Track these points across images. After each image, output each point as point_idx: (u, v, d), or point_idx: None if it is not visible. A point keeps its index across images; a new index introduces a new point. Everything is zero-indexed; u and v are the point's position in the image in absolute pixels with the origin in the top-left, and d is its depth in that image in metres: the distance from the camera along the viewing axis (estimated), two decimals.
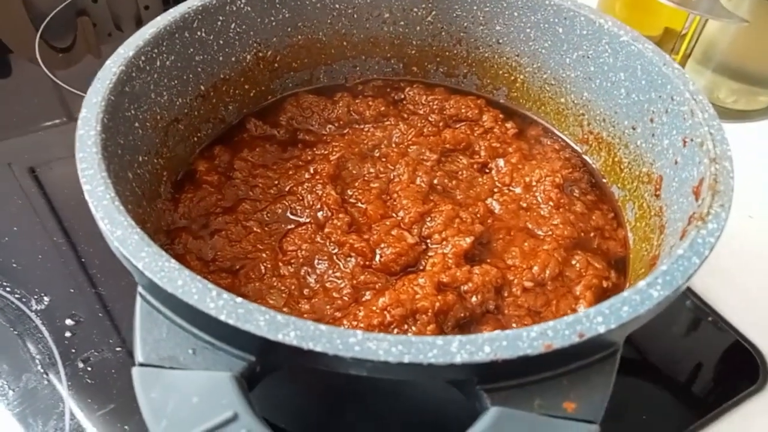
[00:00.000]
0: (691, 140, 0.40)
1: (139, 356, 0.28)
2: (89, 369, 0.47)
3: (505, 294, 0.43)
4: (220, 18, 0.51)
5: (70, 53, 0.89)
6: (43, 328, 0.49)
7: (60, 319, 0.50)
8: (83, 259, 0.55)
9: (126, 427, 0.44)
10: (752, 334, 0.51)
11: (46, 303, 0.51)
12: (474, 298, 0.41)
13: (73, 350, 0.48)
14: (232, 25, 0.52)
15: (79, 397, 0.45)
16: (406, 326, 0.39)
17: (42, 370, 0.47)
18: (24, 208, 0.60)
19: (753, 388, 0.47)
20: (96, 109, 0.38)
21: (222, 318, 0.27)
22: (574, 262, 0.45)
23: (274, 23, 0.55)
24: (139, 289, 0.30)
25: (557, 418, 0.26)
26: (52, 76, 0.80)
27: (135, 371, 0.27)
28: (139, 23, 0.96)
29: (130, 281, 0.52)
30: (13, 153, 0.68)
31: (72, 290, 0.52)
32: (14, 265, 0.54)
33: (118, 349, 0.48)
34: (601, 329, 0.27)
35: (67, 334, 0.49)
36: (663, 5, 0.71)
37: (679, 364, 0.51)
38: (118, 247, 0.30)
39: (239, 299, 0.28)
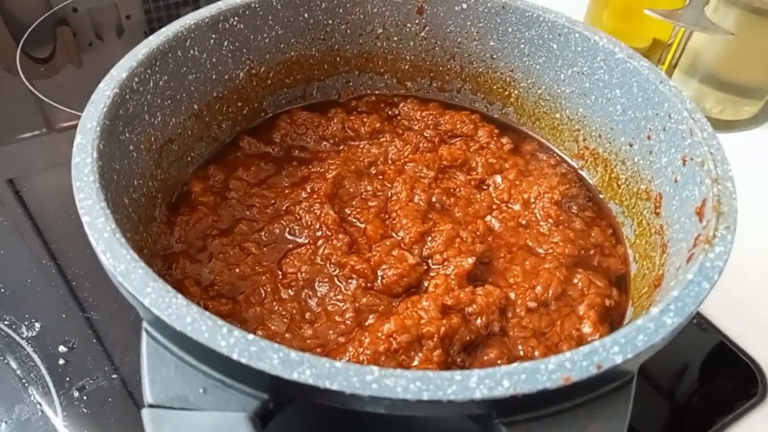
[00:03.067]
0: (691, 159, 0.41)
1: (148, 397, 0.27)
2: (85, 398, 0.45)
3: (510, 315, 0.42)
4: (213, 36, 0.50)
5: (50, 63, 0.87)
6: (35, 356, 0.48)
7: (53, 345, 0.49)
8: (73, 282, 0.54)
9: None
10: (750, 346, 0.52)
11: (37, 329, 0.50)
12: (479, 320, 0.41)
13: (68, 378, 0.46)
14: (225, 43, 0.51)
15: (75, 427, 0.44)
16: (412, 352, 0.38)
17: (36, 401, 0.45)
18: (9, 230, 0.59)
19: (753, 401, 0.47)
20: (91, 135, 0.37)
21: (234, 357, 0.26)
22: (575, 280, 0.45)
23: (267, 40, 0.54)
24: (145, 324, 0.30)
25: None
26: (31, 86, 0.78)
27: (145, 413, 0.26)
28: (121, 33, 0.94)
29: (123, 304, 0.51)
30: None
31: (64, 315, 0.51)
32: (2, 290, 0.52)
33: (114, 376, 0.47)
34: (618, 359, 0.27)
35: (61, 361, 0.48)
36: (651, 16, 0.72)
37: (677, 377, 0.52)
38: (121, 282, 0.29)
39: (251, 336, 0.27)
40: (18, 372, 0.47)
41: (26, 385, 0.46)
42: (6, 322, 0.50)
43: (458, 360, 0.40)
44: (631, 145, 0.48)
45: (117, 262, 0.30)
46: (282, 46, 0.56)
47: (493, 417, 0.27)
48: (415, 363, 0.38)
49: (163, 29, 0.46)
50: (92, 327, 0.51)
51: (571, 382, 0.26)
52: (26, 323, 0.50)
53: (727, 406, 0.49)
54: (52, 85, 0.80)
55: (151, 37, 0.45)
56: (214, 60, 0.51)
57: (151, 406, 0.27)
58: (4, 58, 0.83)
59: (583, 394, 0.28)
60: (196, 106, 0.51)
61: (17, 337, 0.49)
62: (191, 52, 0.48)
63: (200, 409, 0.27)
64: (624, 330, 0.28)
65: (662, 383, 0.50)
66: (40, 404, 0.45)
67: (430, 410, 0.26)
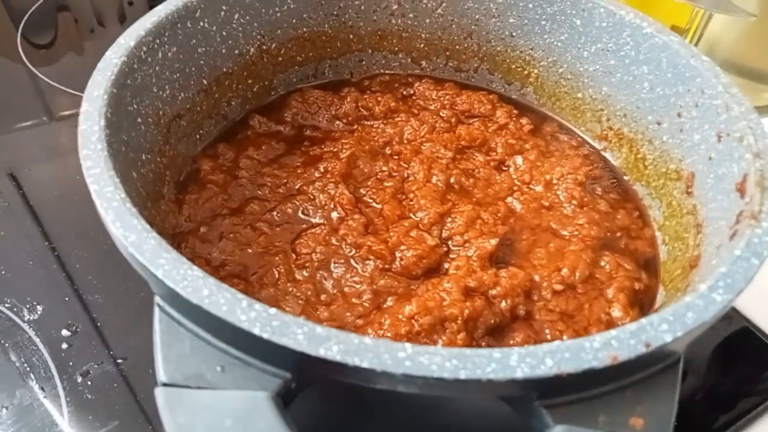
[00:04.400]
0: (728, 135, 0.39)
1: (162, 375, 0.25)
2: (89, 383, 0.43)
3: (535, 298, 0.40)
4: (224, 8, 0.48)
5: (50, 50, 0.85)
6: (37, 340, 0.46)
7: (55, 329, 0.47)
8: (77, 265, 0.52)
9: None
10: None
11: (39, 313, 0.48)
12: (503, 303, 0.39)
13: (71, 363, 0.45)
14: (236, 16, 0.49)
15: (79, 413, 0.42)
16: (435, 335, 0.36)
17: (38, 386, 0.43)
18: (11, 214, 0.57)
19: None
20: (99, 102, 0.35)
21: (255, 332, 0.24)
22: (603, 263, 0.43)
23: (278, 14, 0.52)
24: (157, 299, 0.28)
25: None
26: (36, 71, 0.76)
27: (159, 392, 0.25)
28: (123, 19, 0.92)
29: (128, 287, 0.50)
30: None
31: (66, 299, 0.49)
32: (3, 273, 0.50)
33: (119, 361, 0.45)
34: (668, 338, 0.25)
35: (64, 345, 0.46)
36: (668, 1, 0.70)
37: (700, 364, 0.50)
38: (133, 253, 0.27)
39: (273, 310, 0.25)
40: (20, 356, 0.45)
41: (28, 369, 0.44)
42: (7, 305, 0.48)
43: (483, 344, 0.38)
44: (659, 124, 0.47)
45: (128, 232, 0.28)
46: (294, 21, 0.53)
47: (533, 399, 0.25)
48: (439, 346, 0.36)
49: None
50: (96, 311, 0.49)
51: (618, 362, 0.24)
52: (28, 306, 0.48)
53: (751, 397, 0.47)
54: (54, 72, 0.78)
55: (159, 6, 0.43)
56: (224, 33, 0.49)
57: (165, 385, 0.25)
58: (3, 44, 0.81)
59: (629, 375, 0.26)
60: (205, 81, 0.49)
61: (19, 321, 0.47)
62: (201, 23, 0.46)
63: (218, 388, 0.25)
64: (672, 308, 0.27)
65: (685, 369, 0.49)
66: (42, 389, 0.43)
67: (467, 390, 0.24)
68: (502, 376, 0.24)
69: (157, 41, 0.42)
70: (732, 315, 0.52)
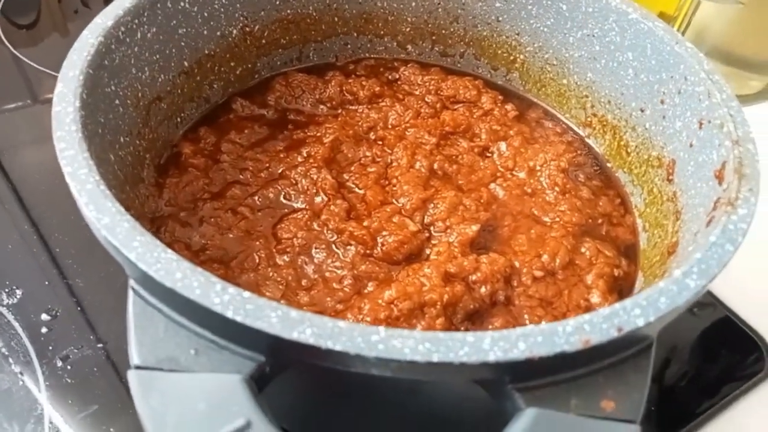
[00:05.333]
0: (709, 122, 0.39)
1: (135, 358, 0.25)
2: (69, 367, 0.43)
3: (515, 284, 0.41)
4: None
5: (33, 30, 0.84)
6: (16, 324, 0.45)
7: (35, 313, 0.46)
8: (57, 249, 0.51)
9: (111, 429, 0.40)
10: (756, 322, 0.50)
11: (18, 297, 0.47)
12: (483, 289, 0.39)
13: (50, 347, 0.44)
14: None
15: (59, 398, 0.42)
16: (414, 320, 0.37)
17: (17, 370, 0.43)
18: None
19: (760, 377, 0.46)
20: (74, 83, 0.34)
21: (229, 315, 0.24)
22: (583, 249, 0.43)
23: None
24: (131, 282, 0.27)
25: (596, 418, 0.25)
26: (16, 53, 0.74)
27: (131, 375, 0.24)
28: (108, 0, 0.90)
29: (109, 272, 0.49)
30: None
31: (47, 282, 0.49)
32: None
33: (99, 345, 0.45)
34: (640, 322, 0.25)
35: (43, 330, 0.45)
36: None
37: (681, 352, 0.50)
38: (105, 236, 0.27)
39: (247, 293, 0.25)
40: None
41: (6, 354, 0.44)
42: None
43: (462, 329, 0.38)
44: (642, 111, 0.47)
45: (101, 214, 0.28)
46: (278, 2, 0.53)
47: (506, 382, 0.25)
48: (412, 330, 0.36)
49: None
50: (75, 295, 0.48)
51: (590, 345, 0.24)
52: (6, 290, 0.48)
53: (732, 383, 0.47)
54: (37, 53, 0.77)
55: None
56: (205, 14, 0.48)
57: (138, 367, 0.25)
58: None
59: (601, 359, 0.26)
60: (186, 64, 0.48)
61: None
62: (182, 3, 0.45)
63: (191, 371, 0.25)
64: (645, 293, 0.27)
65: (666, 357, 0.49)
66: (21, 374, 0.43)
67: (439, 374, 0.24)
68: (474, 359, 0.24)
69: (136, 21, 0.42)
70: (714, 304, 0.52)
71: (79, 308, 0.47)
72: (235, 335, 0.25)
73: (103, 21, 0.39)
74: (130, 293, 0.27)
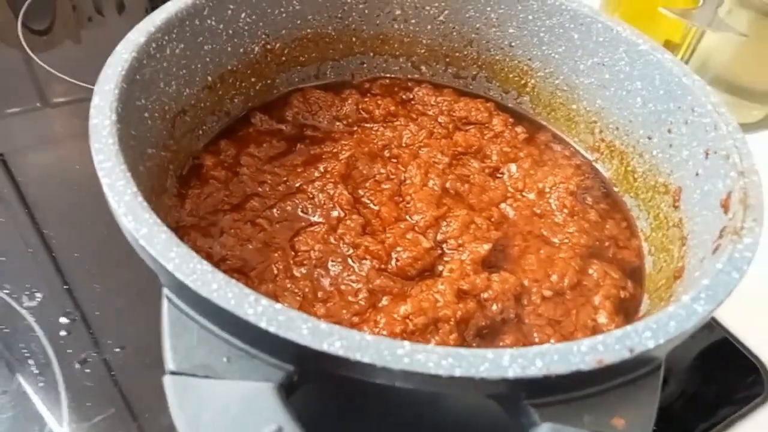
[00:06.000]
0: (715, 152, 0.40)
1: (170, 364, 0.26)
2: (87, 371, 0.44)
3: (525, 302, 0.42)
4: (231, 7, 0.49)
5: (47, 36, 0.85)
6: (36, 327, 0.46)
7: (54, 317, 0.47)
8: (76, 254, 0.52)
9: None
10: (755, 345, 0.52)
11: (38, 300, 0.48)
12: (494, 306, 0.41)
13: (69, 350, 0.45)
14: (243, 15, 0.50)
15: (77, 400, 0.43)
16: (428, 335, 0.38)
17: (36, 372, 0.44)
18: (11, 199, 0.57)
19: (757, 401, 0.48)
20: (110, 97, 0.36)
21: (262, 325, 0.25)
22: (591, 271, 0.44)
23: (284, 14, 0.53)
24: (165, 291, 0.29)
25: None
26: (35, 57, 0.76)
27: (167, 380, 0.26)
28: (121, 8, 0.92)
29: (127, 278, 0.51)
30: None
31: (65, 286, 0.50)
32: (3, 259, 0.51)
33: (117, 350, 0.46)
34: (651, 344, 0.27)
35: (62, 333, 0.46)
36: (663, 17, 0.72)
37: (679, 374, 0.52)
38: (144, 246, 0.28)
39: (278, 305, 0.26)
40: (18, 342, 0.46)
41: (27, 356, 0.45)
42: (6, 291, 0.49)
43: (473, 345, 0.39)
44: (649, 138, 0.48)
45: (139, 225, 0.29)
46: (299, 22, 0.55)
47: (522, 398, 0.27)
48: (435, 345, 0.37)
49: None
50: (95, 299, 0.49)
51: (604, 365, 0.26)
52: (27, 293, 0.49)
53: (730, 405, 0.49)
54: (50, 58, 0.78)
55: (169, 3, 0.44)
56: (230, 31, 0.50)
57: (173, 373, 0.26)
58: (2, 28, 0.81)
59: (613, 378, 0.27)
60: (210, 78, 0.50)
61: (18, 307, 0.48)
62: (209, 21, 0.47)
63: (224, 378, 0.26)
64: (656, 316, 0.28)
65: (666, 377, 0.50)
66: (41, 376, 0.44)
67: (460, 387, 0.26)
68: (494, 374, 0.25)
69: (166, 38, 0.43)
70: (713, 326, 0.54)
71: (97, 313, 0.48)
72: (266, 345, 0.26)
73: (135, 37, 0.40)
74: (165, 302, 0.28)
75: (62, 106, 0.72)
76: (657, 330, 0.27)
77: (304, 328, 0.26)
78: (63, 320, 0.47)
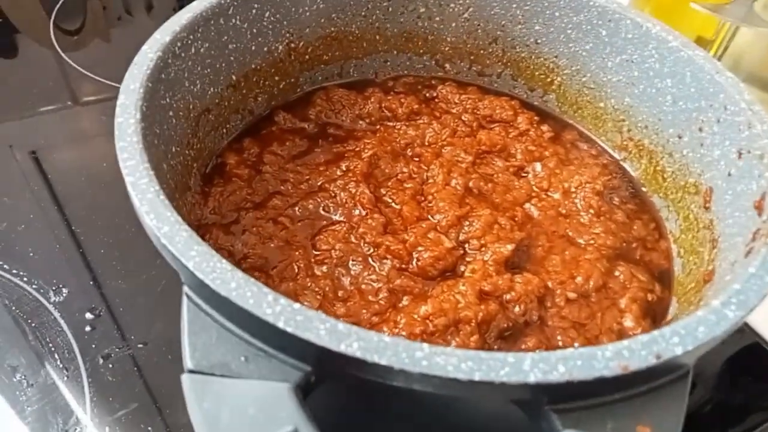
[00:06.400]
0: (748, 152, 0.39)
1: (188, 362, 0.26)
2: (110, 366, 0.45)
3: (548, 304, 0.41)
4: (255, 6, 0.49)
5: (78, 36, 0.87)
6: (62, 321, 0.47)
7: (79, 312, 0.48)
8: (102, 250, 0.53)
9: (149, 428, 0.42)
10: None
11: (64, 295, 0.49)
12: (517, 308, 0.40)
13: (94, 345, 0.46)
14: (267, 14, 0.50)
15: (100, 395, 0.43)
16: (449, 336, 0.37)
17: (61, 365, 0.45)
18: (41, 196, 0.58)
19: None
20: (135, 95, 0.36)
21: (280, 325, 0.25)
22: (617, 273, 0.43)
23: (308, 13, 0.53)
24: (186, 289, 0.29)
25: None
26: (66, 57, 0.77)
27: (185, 378, 0.26)
28: (150, 9, 0.94)
29: (150, 275, 0.51)
30: (16, 136, 0.66)
31: (91, 282, 0.51)
32: (31, 255, 0.52)
33: (140, 345, 0.46)
34: (678, 350, 0.26)
35: (87, 328, 0.47)
36: (695, 12, 0.70)
37: (708, 378, 0.50)
38: (165, 245, 0.28)
39: (297, 305, 0.26)
40: (45, 336, 0.46)
41: (53, 349, 0.46)
42: (34, 286, 0.50)
43: (495, 347, 0.39)
44: (680, 137, 0.47)
45: (161, 223, 0.29)
46: (322, 21, 0.54)
47: (544, 403, 0.26)
48: (452, 347, 0.37)
49: None
50: (120, 295, 0.50)
51: (629, 371, 0.25)
52: (54, 288, 0.50)
53: (758, 411, 0.47)
54: (80, 57, 0.80)
55: (194, 3, 0.44)
56: (254, 31, 0.50)
57: (191, 371, 0.26)
58: (34, 25, 0.83)
59: (638, 385, 0.26)
60: (234, 77, 0.50)
61: (45, 301, 0.49)
62: (233, 20, 0.47)
63: (242, 377, 0.26)
64: (684, 321, 0.27)
65: (694, 381, 0.49)
66: (66, 369, 0.45)
67: (480, 391, 0.25)
68: (515, 379, 0.24)
69: (191, 37, 0.43)
70: (743, 329, 0.52)
71: (121, 309, 0.49)
72: (283, 345, 0.26)
73: (161, 36, 0.41)
74: (185, 299, 0.29)
75: (92, 104, 0.74)
76: (685, 336, 0.27)
77: (321, 329, 0.25)
78: (88, 315, 0.48)
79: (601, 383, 0.25)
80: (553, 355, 0.25)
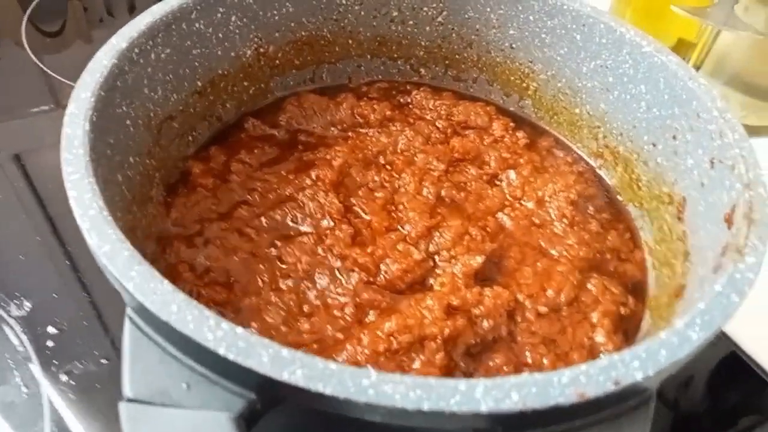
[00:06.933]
0: (720, 162, 0.38)
1: (127, 390, 0.25)
2: (72, 383, 0.44)
3: (518, 319, 0.40)
4: (221, 10, 0.48)
5: (59, 38, 0.85)
6: (23, 337, 0.46)
7: (41, 326, 0.47)
8: (66, 262, 0.52)
9: None
10: (764, 358, 0.49)
11: (27, 309, 0.48)
12: (485, 323, 0.39)
13: (56, 361, 0.45)
14: (233, 18, 0.49)
15: (62, 412, 0.42)
16: (413, 354, 0.36)
17: (21, 383, 0.43)
18: (7, 202, 0.57)
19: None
20: (85, 105, 0.35)
21: (221, 352, 0.24)
22: (589, 285, 0.42)
23: (277, 17, 0.52)
24: (128, 311, 0.28)
25: None
26: (37, 62, 0.76)
27: (122, 408, 0.24)
28: (132, 9, 0.92)
29: (116, 289, 0.50)
30: None
31: (55, 295, 0.49)
32: None
33: (103, 361, 0.45)
34: (639, 376, 0.25)
35: (49, 343, 0.46)
36: (676, 14, 0.69)
37: (683, 387, 0.49)
38: (105, 265, 0.27)
39: (240, 330, 0.25)
40: (4, 353, 0.45)
41: (13, 366, 0.44)
42: None
43: (462, 364, 0.38)
44: (654, 145, 0.46)
45: (102, 241, 0.28)
46: (292, 24, 0.53)
47: None
48: (416, 365, 0.36)
49: None
50: (84, 308, 0.49)
51: (585, 399, 0.24)
52: (16, 302, 0.48)
53: (736, 421, 0.46)
54: (61, 60, 0.78)
55: (154, 7, 0.43)
56: (220, 35, 0.48)
57: (129, 400, 0.25)
58: (11, 30, 0.81)
59: (597, 411, 0.25)
60: (199, 83, 0.48)
61: (5, 316, 0.47)
62: (197, 25, 0.46)
63: (182, 406, 0.25)
64: (645, 344, 0.26)
65: (667, 392, 0.48)
66: (26, 387, 0.43)
67: (430, 421, 0.24)
68: (466, 408, 0.23)
69: (150, 42, 0.42)
70: (719, 337, 0.51)
71: (84, 323, 0.48)
72: (226, 371, 0.25)
73: (117, 42, 0.39)
74: (127, 321, 0.27)
75: None
76: (646, 360, 0.25)
77: (264, 355, 0.24)
78: (51, 330, 0.47)
79: (557, 411, 0.24)
80: (506, 381, 0.24)
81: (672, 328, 0.27)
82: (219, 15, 0.47)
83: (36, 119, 0.69)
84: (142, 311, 0.26)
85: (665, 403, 0.47)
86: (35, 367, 0.44)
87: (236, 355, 0.24)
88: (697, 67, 0.75)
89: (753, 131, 0.74)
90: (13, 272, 0.51)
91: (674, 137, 0.44)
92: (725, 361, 0.50)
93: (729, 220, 0.35)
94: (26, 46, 0.78)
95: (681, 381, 0.49)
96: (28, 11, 0.85)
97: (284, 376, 0.24)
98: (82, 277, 0.51)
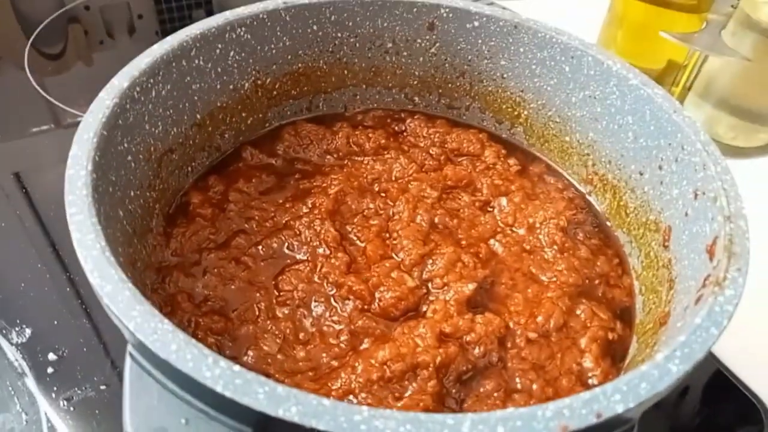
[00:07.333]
0: (703, 194, 0.39)
1: (128, 426, 0.26)
2: (71, 409, 0.44)
3: (509, 345, 0.41)
4: (219, 46, 0.49)
5: (60, 60, 0.87)
6: (23, 364, 0.47)
7: (42, 353, 0.48)
8: (67, 289, 0.53)
9: None
10: (750, 377, 0.50)
11: (27, 336, 0.49)
12: (477, 350, 0.40)
13: (55, 388, 0.46)
14: (231, 53, 0.50)
15: None
16: (406, 381, 0.37)
17: (21, 410, 0.44)
18: (8, 227, 0.58)
19: None
20: (87, 146, 0.36)
21: (218, 389, 0.25)
22: (578, 311, 0.43)
23: (274, 51, 0.53)
24: (129, 348, 0.29)
25: None
26: (38, 88, 0.77)
27: None
28: (132, 32, 0.94)
29: None
30: None
31: (56, 322, 0.50)
32: None
33: (102, 387, 0.46)
34: (620, 408, 0.26)
35: (50, 370, 0.47)
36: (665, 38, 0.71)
37: (669, 407, 0.50)
38: (108, 305, 0.28)
39: (237, 368, 0.26)
40: (5, 380, 0.46)
41: (13, 393, 0.45)
42: None
43: (453, 391, 0.39)
44: (641, 174, 0.47)
45: (104, 282, 0.29)
46: (289, 57, 0.55)
47: None
48: (409, 393, 0.37)
49: (168, 38, 0.45)
50: (85, 335, 0.50)
51: None
52: (17, 329, 0.49)
53: None
54: (62, 82, 0.80)
55: (155, 46, 0.44)
56: (219, 70, 0.50)
57: None
58: (14, 54, 0.83)
59: None
60: (198, 116, 0.50)
61: (6, 343, 0.48)
62: (196, 61, 0.47)
63: None
64: (626, 377, 0.27)
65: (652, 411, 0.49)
66: (25, 413, 0.44)
67: None
68: None
69: (151, 80, 0.43)
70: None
71: (85, 349, 0.49)
72: (224, 407, 0.26)
73: (119, 82, 0.41)
74: (128, 359, 0.28)
75: (75, 127, 0.73)
76: (627, 392, 0.27)
77: (260, 393, 0.25)
78: (51, 356, 0.48)
79: None
80: (492, 416, 0.25)
81: (652, 361, 0.28)
82: (218, 51, 0.49)
83: (36, 140, 0.70)
84: (143, 350, 0.27)
85: (650, 422, 0.48)
86: (35, 393, 0.45)
87: (233, 392, 0.25)
88: (688, 89, 0.77)
89: (742, 152, 0.76)
90: (14, 299, 0.52)
91: (660, 167, 0.45)
92: (711, 381, 0.51)
93: (711, 252, 0.36)
94: (28, 72, 0.80)
95: (668, 401, 0.50)
96: (32, 38, 0.87)
97: (279, 412, 0.25)
98: (82, 303, 0.52)
